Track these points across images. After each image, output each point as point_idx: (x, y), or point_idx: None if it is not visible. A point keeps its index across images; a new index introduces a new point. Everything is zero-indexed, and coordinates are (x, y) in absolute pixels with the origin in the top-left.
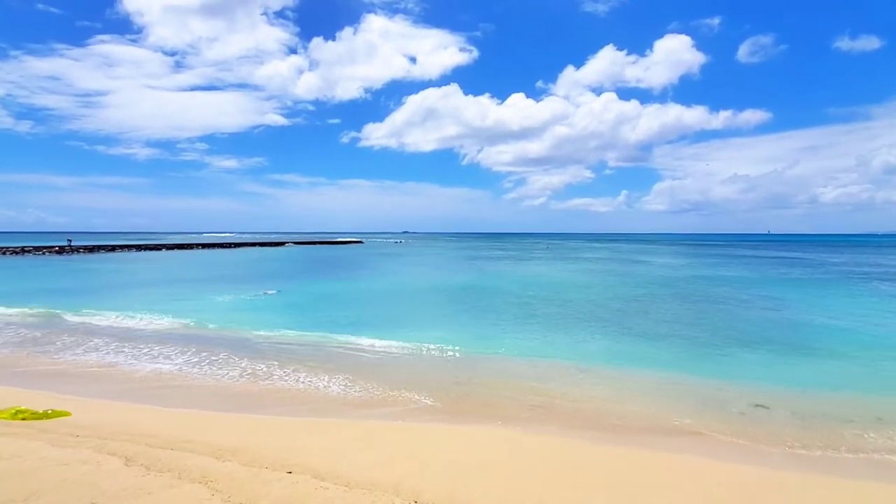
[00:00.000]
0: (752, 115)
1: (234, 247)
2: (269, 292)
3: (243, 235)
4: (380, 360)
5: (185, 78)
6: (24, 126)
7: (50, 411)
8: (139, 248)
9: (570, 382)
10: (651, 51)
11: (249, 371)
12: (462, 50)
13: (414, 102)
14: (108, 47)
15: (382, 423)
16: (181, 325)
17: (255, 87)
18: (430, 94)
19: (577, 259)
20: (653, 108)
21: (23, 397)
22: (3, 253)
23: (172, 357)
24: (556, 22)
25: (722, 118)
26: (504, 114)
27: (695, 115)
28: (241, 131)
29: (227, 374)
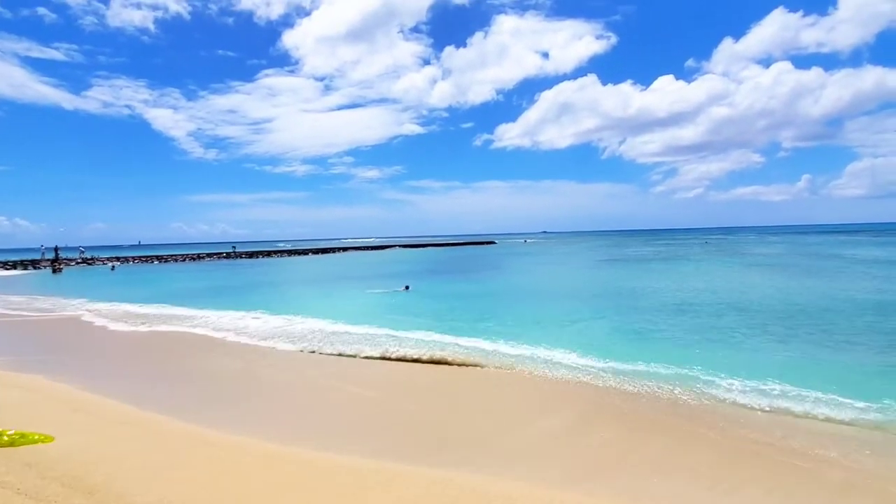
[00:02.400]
0: None
1: (342, 251)
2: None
3: (383, 239)
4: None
5: (333, 99)
6: (211, 154)
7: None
8: (290, 252)
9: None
10: (835, 7)
11: None
12: (599, 38)
13: (547, 99)
14: (272, 80)
15: None
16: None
17: (394, 101)
18: (565, 87)
19: (743, 255)
20: (842, 75)
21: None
22: (193, 259)
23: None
24: None
25: None
26: (649, 100)
27: None
28: (381, 143)
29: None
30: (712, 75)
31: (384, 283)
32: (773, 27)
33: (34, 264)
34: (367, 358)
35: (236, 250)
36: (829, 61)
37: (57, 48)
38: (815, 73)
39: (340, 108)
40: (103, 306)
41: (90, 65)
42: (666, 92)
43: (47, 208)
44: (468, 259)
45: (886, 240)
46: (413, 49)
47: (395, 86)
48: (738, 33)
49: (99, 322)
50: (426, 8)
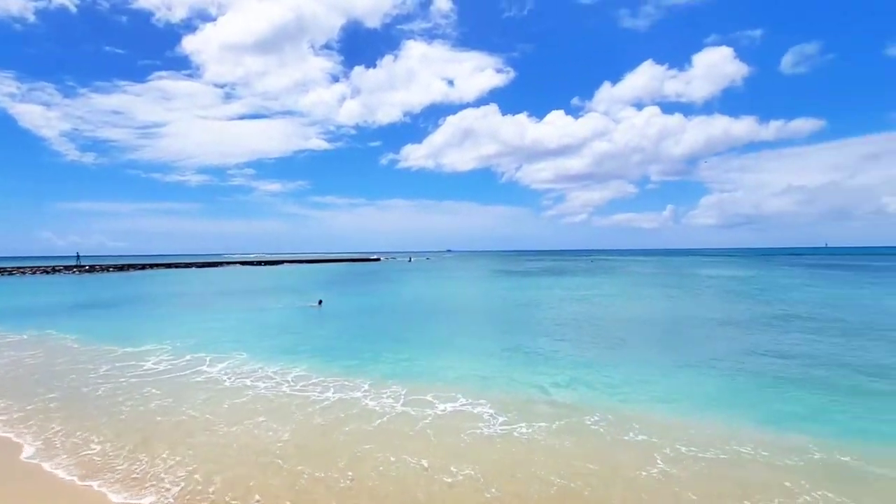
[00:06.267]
0: (805, 124)
1: (227, 265)
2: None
3: (284, 254)
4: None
5: (235, 108)
6: (89, 157)
7: None
8: (167, 266)
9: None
10: (691, 65)
11: None
12: (499, 71)
13: (452, 124)
14: (167, 83)
15: None
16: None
17: (300, 114)
18: (468, 114)
19: (623, 273)
20: (698, 121)
21: None
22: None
23: None
24: (594, 39)
25: (773, 128)
26: (542, 131)
27: (743, 127)
28: (285, 156)
29: None
30: (595, 113)
31: (253, 300)
32: (644, 77)
33: None
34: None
35: (81, 263)
36: (687, 109)
37: None
38: (677, 118)
39: (243, 117)
40: None
41: None
42: (557, 125)
43: None
44: (357, 276)
45: (731, 261)
46: (323, 65)
47: (302, 99)
48: (616, 79)
49: None
50: (338, 27)
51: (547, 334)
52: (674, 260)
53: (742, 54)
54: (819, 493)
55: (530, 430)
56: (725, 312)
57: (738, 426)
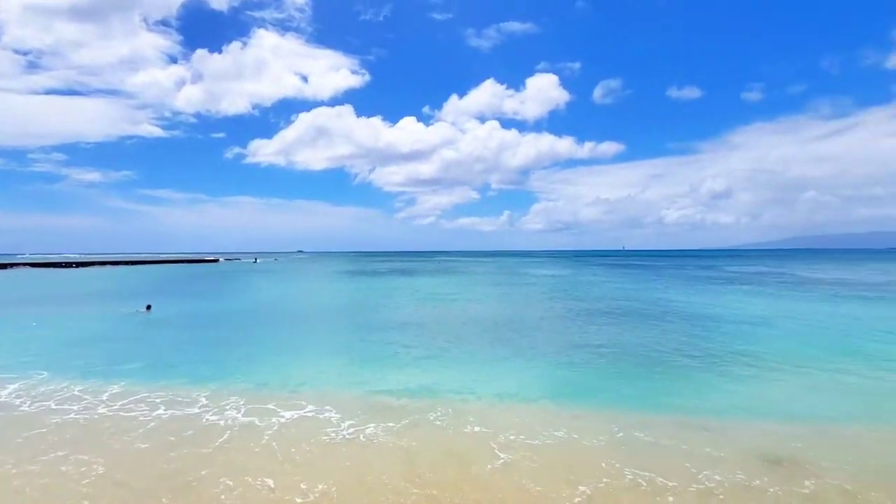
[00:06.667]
0: (610, 147)
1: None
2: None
3: (100, 255)
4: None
5: (41, 80)
6: None
7: None
8: None
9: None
10: (524, 87)
11: None
12: (354, 72)
13: (305, 121)
14: None
15: None
16: None
17: (128, 95)
18: (322, 112)
19: (464, 273)
20: (530, 137)
21: None
22: None
23: None
24: (444, 53)
25: (587, 148)
26: (395, 136)
27: (565, 145)
28: (108, 141)
29: None
30: (444, 123)
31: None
32: (487, 93)
33: None
34: None
35: None
36: (522, 126)
37: None
38: (513, 134)
39: (51, 92)
40: None
41: None
42: (409, 131)
43: None
44: (193, 278)
45: (554, 262)
46: (158, 43)
47: (131, 79)
48: (462, 92)
49: None
50: (177, 3)
51: (392, 333)
52: (508, 261)
53: (565, 83)
54: (629, 470)
55: (378, 432)
56: (547, 307)
57: (557, 411)
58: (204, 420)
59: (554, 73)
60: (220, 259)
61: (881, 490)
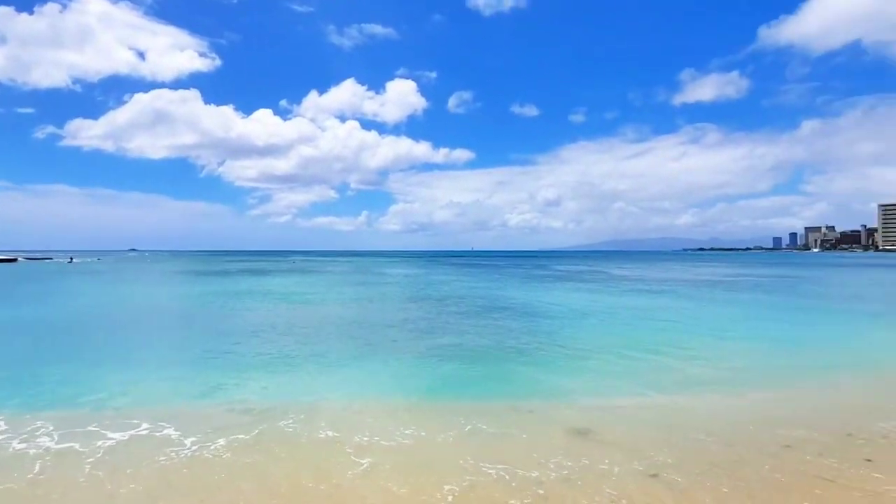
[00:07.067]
0: (462, 154)
1: None
2: None
3: None
4: None
5: None
6: None
7: None
8: None
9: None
10: (385, 90)
11: None
12: (203, 55)
13: (141, 102)
14: None
15: None
16: None
17: None
18: (163, 95)
19: (319, 273)
20: (389, 140)
21: None
22: None
23: None
24: (305, 46)
25: (442, 154)
26: (250, 128)
27: (422, 149)
28: None
29: None
30: (302, 118)
31: None
32: (347, 92)
33: None
34: None
35: None
36: (381, 128)
37: None
38: (373, 135)
39: None
40: None
41: None
42: (265, 124)
43: None
44: None
45: (409, 262)
46: None
47: None
48: (323, 89)
49: None
50: None
51: (239, 338)
52: (365, 260)
53: (423, 90)
54: (486, 464)
55: (227, 445)
56: (399, 306)
57: (408, 408)
58: (9, 450)
59: (413, 79)
60: (19, 258)
61: (653, 445)
